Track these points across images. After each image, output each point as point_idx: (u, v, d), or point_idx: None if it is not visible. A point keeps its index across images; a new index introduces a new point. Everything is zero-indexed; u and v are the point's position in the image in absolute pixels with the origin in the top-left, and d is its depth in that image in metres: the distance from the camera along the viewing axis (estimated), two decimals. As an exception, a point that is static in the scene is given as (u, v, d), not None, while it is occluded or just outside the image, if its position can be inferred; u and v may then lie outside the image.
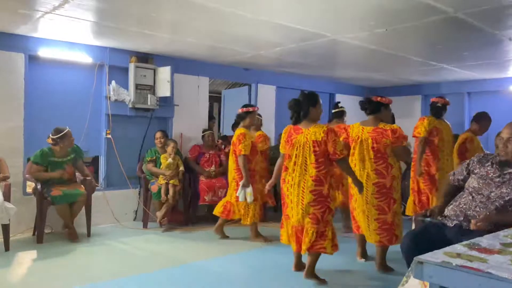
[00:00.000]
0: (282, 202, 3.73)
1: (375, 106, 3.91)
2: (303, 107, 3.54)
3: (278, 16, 3.91)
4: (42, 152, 4.67)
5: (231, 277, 3.73)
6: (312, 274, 3.56)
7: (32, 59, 4.97)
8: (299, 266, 3.78)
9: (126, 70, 5.59)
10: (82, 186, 4.89)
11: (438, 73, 6.84)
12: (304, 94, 3.61)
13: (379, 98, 3.92)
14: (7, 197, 4.27)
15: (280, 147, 3.74)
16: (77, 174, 5.04)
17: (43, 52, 4.97)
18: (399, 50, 5.25)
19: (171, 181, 5.31)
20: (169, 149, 5.48)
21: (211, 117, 6.84)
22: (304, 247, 3.50)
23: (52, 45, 5.01)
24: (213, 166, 5.88)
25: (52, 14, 3.98)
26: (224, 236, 4.99)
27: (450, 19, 3.78)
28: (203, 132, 6.17)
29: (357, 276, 3.82)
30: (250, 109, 4.85)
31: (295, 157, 3.51)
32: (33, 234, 4.79)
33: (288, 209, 3.59)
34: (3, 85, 4.76)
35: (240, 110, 4.89)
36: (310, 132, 3.46)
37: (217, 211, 4.93)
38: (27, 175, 4.79)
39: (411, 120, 7.90)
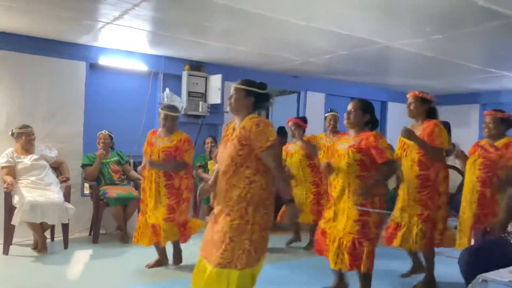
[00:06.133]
0: None
1: None
2: None
3: (331, 23, 3.88)
4: (87, 156, 5.02)
5: (281, 283, 3.72)
6: None
7: (93, 67, 5.24)
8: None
9: (179, 78, 5.76)
10: (135, 189, 5.06)
11: (498, 81, 6.50)
12: None
13: None
14: (67, 198, 4.51)
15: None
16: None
17: (103, 61, 5.23)
18: (456, 57, 5.04)
19: (220, 187, 5.36)
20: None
21: None
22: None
23: (111, 54, 5.26)
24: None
25: (112, 25, 4.19)
26: None
27: (513, 24, 3.60)
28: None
29: None
30: None
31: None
32: (89, 234, 5.01)
33: None
34: (67, 92, 5.05)
35: None
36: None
37: None
38: (85, 179, 5.07)
39: (467, 130, 7.59)
